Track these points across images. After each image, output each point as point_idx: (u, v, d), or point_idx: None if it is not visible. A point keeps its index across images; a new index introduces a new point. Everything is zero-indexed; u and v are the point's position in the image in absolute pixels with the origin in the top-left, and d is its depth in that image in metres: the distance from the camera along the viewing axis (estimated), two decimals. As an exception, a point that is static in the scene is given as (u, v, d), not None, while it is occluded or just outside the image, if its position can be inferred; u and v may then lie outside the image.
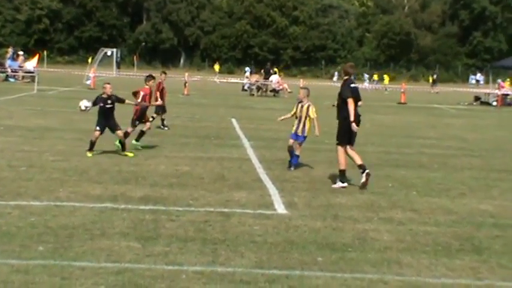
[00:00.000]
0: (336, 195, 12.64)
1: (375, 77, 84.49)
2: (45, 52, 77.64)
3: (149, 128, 17.74)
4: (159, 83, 21.95)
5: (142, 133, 17.57)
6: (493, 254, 9.07)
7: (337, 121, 13.81)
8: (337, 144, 13.68)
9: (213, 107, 34.02)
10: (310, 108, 15.48)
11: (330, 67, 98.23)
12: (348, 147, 13.62)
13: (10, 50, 54.64)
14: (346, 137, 13.55)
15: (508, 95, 49.65)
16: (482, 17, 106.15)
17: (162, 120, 22.65)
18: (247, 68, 67.05)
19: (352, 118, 13.30)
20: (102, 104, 16.13)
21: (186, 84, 45.11)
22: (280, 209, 11.29)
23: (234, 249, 8.73)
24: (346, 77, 13.93)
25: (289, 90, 48.02)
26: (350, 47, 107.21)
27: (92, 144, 16.04)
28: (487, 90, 54.15)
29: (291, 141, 15.49)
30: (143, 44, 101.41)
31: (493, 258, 8.86)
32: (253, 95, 47.86)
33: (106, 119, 16.12)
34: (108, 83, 16.45)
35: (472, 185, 14.36)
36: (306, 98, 15.65)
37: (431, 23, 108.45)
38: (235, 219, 10.31)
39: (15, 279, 7.22)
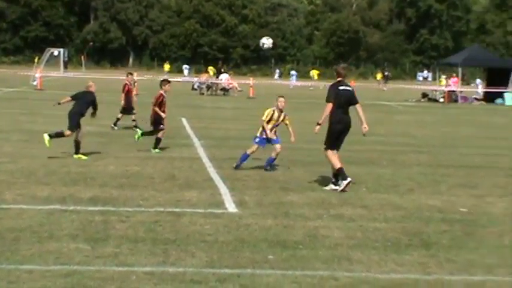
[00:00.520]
0: (287, 193, 12.66)
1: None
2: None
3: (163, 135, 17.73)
4: (125, 84, 22.81)
5: (158, 140, 17.59)
6: (441, 248, 9.19)
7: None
8: (325, 149, 13.36)
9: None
10: (287, 115, 15.33)
11: (279, 65, 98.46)
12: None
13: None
14: (333, 141, 13.25)
15: (454, 91, 50.38)
16: (429, 14, 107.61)
17: (117, 119, 22.54)
18: (185, 66, 66.53)
19: (320, 121, 13.13)
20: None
21: (135, 84, 44.68)
22: (231, 207, 11.27)
23: (185, 249, 8.68)
24: (338, 79, 13.40)
25: (239, 88, 48.02)
26: (299, 45, 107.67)
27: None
28: (435, 87, 54.92)
29: (255, 147, 15.19)
30: (91, 43, 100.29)
31: (441, 252, 8.98)
32: (203, 94, 47.73)
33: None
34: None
35: (420, 181, 14.54)
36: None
37: (379, 21, 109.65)
38: (186, 219, 10.25)
39: (-39, 284, 7.08)
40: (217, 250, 8.69)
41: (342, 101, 13.15)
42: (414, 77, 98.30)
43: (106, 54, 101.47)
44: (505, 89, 48.64)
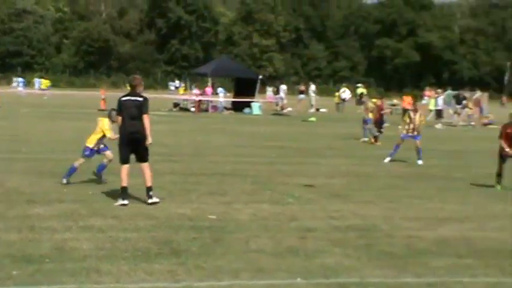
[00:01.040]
0: (34, 205, 12.16)
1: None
2: None
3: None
4: None
5: None
6: (190, 255, 9.28)
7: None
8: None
9: None
10: None
11: (26, 74, 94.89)
12: (141, 164, 13.09)
13: None
14: (122, 154, 12.86)
15: (206, 101, 51.47)
16: (179, 25, 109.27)
17: None
18: None
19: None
20: None
21: None
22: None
23: None
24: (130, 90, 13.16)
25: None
26: (48, 54, 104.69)
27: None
28: (186, 97, 55.75)
29: (82, 160, 14.71)
30: None
31: (190, 260, 9.07)
32: None
33: None
34: None
35: (171, 190, 14.61)
36: None
37: (129, 30, 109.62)
38: None
39: None
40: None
41: (128, 112, 12.87)
42: (166, 86, 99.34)
43: None
44: (253, 98, 50.58)
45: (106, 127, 14.62)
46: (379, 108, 28.70)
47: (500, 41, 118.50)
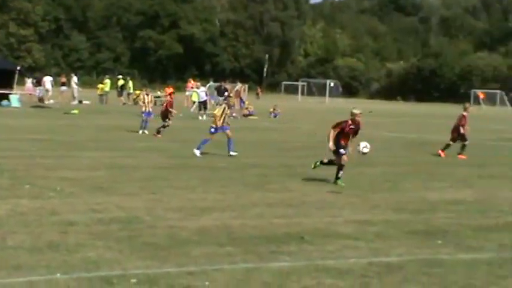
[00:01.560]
0: None
1: None
2: None
3: None
4: None
5: None
6: None
7: None
8: None
9: None
10: None
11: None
12: None
13: None
14: None
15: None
16: None
17: None
18: None
19: None
20: None
21: None
22: None
23: None
24: None
25: None
26: None
27: None
28: None
29: None
30: None
31: None
32: None
33: None
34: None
35: None
36: None
37: None
38: None
39: None
40: None
41: None
42: None
43: None
44: (11, 90, 48.56)
45: None
46: (168, 102, 29.37)
47: (258, 34, 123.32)
